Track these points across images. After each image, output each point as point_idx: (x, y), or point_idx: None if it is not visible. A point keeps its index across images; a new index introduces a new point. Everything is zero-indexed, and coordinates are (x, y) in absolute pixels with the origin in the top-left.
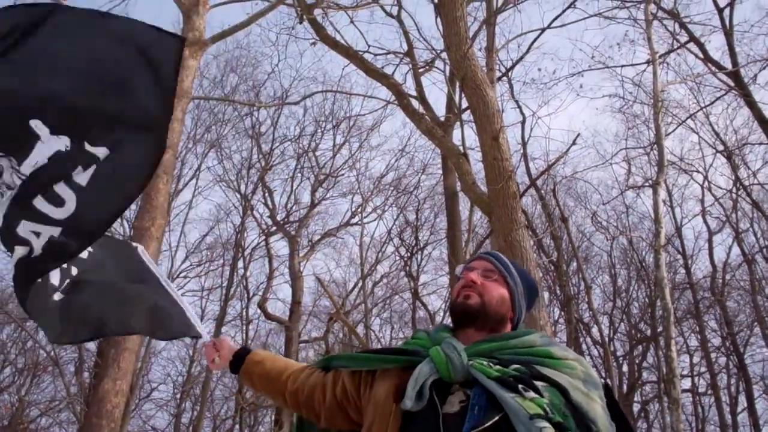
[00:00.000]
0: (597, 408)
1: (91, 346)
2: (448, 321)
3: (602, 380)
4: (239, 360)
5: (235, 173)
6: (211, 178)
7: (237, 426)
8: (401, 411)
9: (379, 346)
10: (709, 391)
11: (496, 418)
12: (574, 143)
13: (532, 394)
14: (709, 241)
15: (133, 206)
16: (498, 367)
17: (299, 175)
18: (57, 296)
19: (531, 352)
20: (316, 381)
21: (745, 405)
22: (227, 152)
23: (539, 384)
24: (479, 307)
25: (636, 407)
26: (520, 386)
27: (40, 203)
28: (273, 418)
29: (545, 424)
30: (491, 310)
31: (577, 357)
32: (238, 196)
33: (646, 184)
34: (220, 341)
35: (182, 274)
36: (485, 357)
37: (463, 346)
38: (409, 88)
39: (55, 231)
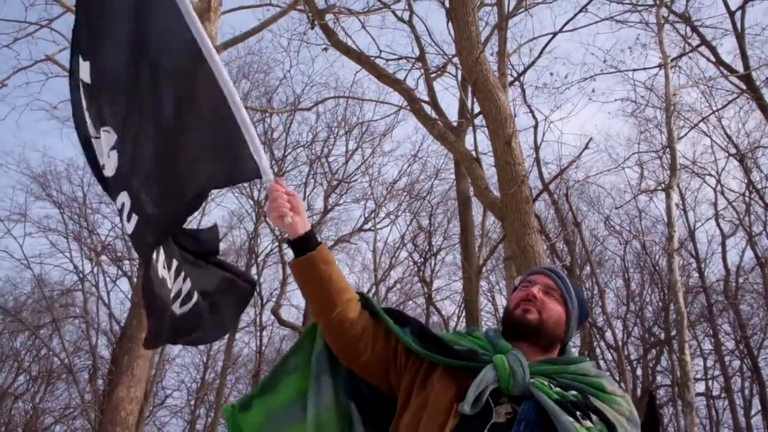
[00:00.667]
0: None
1: (105, 353)
2: (495, 327)
3: (647, 395)
4: (305, 243)
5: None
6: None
7: None
8: (459, 412)
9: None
10: (723, 395)
11: None
12: (586, 147)
13: (588, 423)
14: (723, 244)
15: None
16: (558, 389)
17: (312, 180)
18: (177, 309)
19: (586, 381)
20: (367, 323)
21: (759, 408)
22: None
23: (593, 416)
24: (537, 324)
25: None
26: (578, 413)
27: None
28: None
29: None
30: (548, 329)
31: (624, 394)
32: (251, 202)
33: (659, 187)
34: (294, 197)
35: None
36: (545, 377)
37: (527, 361)
38: (421, 93)
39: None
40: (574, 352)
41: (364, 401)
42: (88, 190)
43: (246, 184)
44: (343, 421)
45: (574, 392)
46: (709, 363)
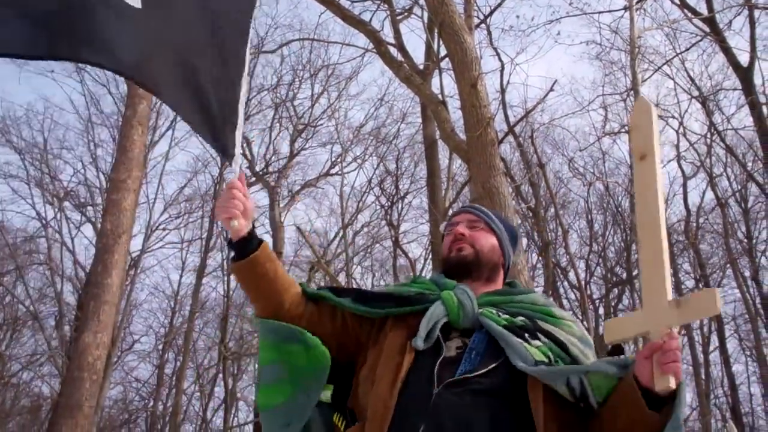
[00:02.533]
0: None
1: (71, 299)
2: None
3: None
4: (247, 244)
5: None
6: (187, 128)
7: (220, 375)
8: (411, 361)
9: (377, 289)
10: (683, 332)
11: (492, 365)
12: (551, 90)
13: (538, 342)
14: (684, 185)
15: (109, 158)
16: (506, 316)
17: (277, 125)
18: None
19: (534, 309)
20: (312, 310)
21: (717, 344)
22: None
23: (541, 337)
24: (474, 257)
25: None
26: (526, 334)
27: None
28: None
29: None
30: (485, 258)
31: (574, 319)
32: None
33: (623, 130)
34: (248, 198)
35: (161, 227)
36: (494, 307)
37: (474, 294)
38: (387, 35)
39: None
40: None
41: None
42: (48, 136)
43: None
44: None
45: (522, 318)
46: None
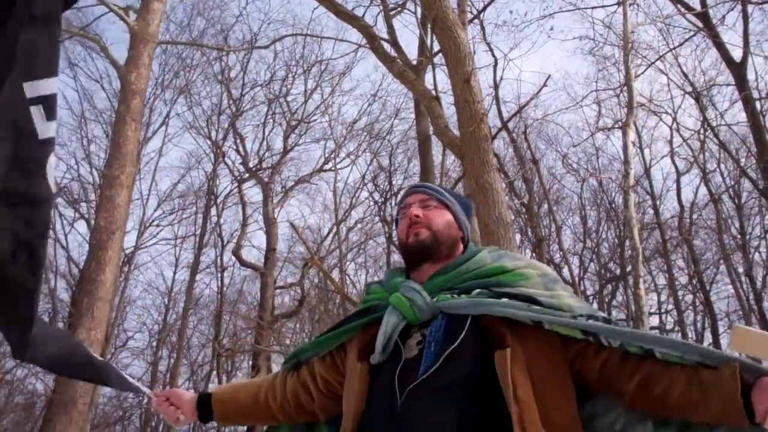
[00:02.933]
0: (566, 299)
1: (64, 296)
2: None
3: None
4: (205, 406)
5: (205, 120)
6: (180, 125)
7: (214, 372)
8: (368, 367)
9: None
10: (676, 328)
11: (452, 347)
12: (545, 85)
13: (504, 299)
14: (677, 181)
15: (102, 154)
16: (463, 295)
17: (271, 121)
18: None
19: (485, 273)
20: (295, 386)
21: (711, 340)
22: (197, 98)
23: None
24: (432, 239)
25: None
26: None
27: None
28: (250, 363)
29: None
30: (443, 237)
31: (529, 262)
32: (209, 143)
33: (616, 125)
34: (171, 393)
35: (155, 223)
36: (447, 291)
37: (420, 285)
38: (381, 30)
39: None
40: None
41: None
42: None
43: (204, 125)
44: None
45: (477, 291)
46: (663, 297)
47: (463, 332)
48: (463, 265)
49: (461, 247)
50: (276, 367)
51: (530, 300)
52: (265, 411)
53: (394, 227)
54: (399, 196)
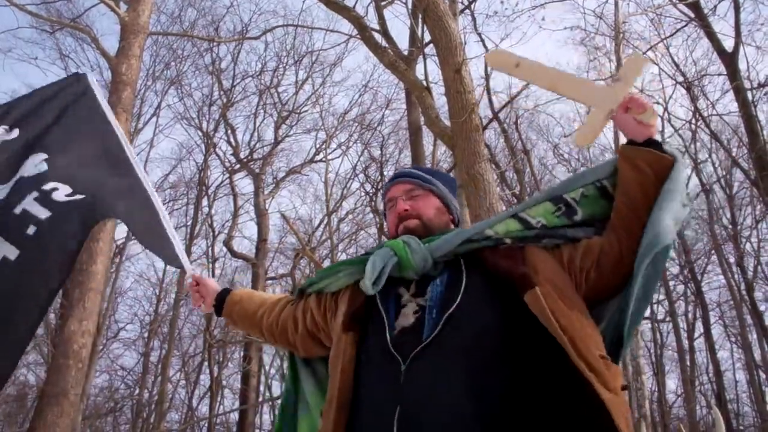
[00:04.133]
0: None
1: None
2: None
3: None
4: (221, 302)
5: (196, 111)
6: (171, 115)
7: (206, 363)
8: (353, 340)
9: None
10: (668, 318)
11: (456, 303)
12: None
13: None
14: None
15: None
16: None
17: (262, 111)
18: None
19: (471, 229)
20: (288, 313)
21: (702, 331)
22: (187, 89)
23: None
24: (422, 227)
25: None
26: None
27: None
28: (241, 354)
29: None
30: (434, 225)
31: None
32: (200, 133)
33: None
34: (204, 283)
35: None
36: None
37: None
38: (372, 21)
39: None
40: None
41: None
42: None
43: (195, 116)
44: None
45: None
46: None
47: (462, 286)
48: (454, 230)
49: (452, 228)
50: (267, 359)
51: (528, 226)
52: (257, 325)
53: (384, 219)
54: (384, 187)
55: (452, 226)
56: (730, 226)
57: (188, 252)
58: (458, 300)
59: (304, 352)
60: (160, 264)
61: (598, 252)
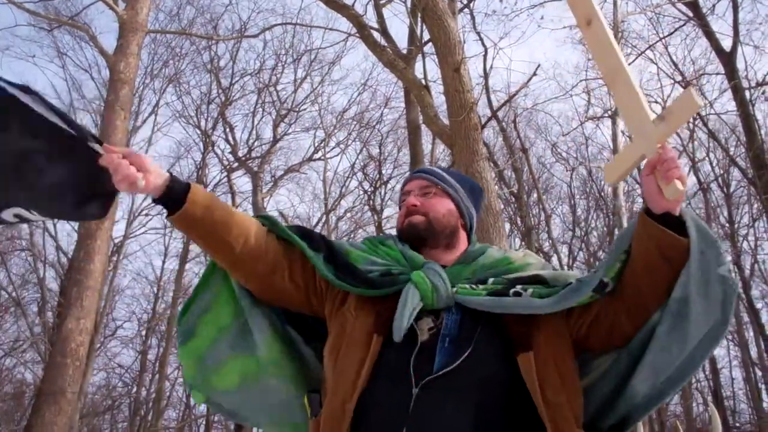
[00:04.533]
0: (564, 272)
1: (53, 285)
2: None
3: None
4: (173, 196)
5: (194, 109)
6: (170, 114)
7: None
8: (381, 342)
9: (346, 248)
10: None
11: (467, 352)
12: (534, 74)
13: (530, 289)
14: None
15: None
16: (482, 286)
17: (260, 110)
18: None
19: (494, 263)
20: (277, 255)
21: None
22: (186, 87)
23: (526, 286)
24: (426, 225)
25: None
26: (511, 291)
27: None
28: None
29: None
30: (440, 226)
31: (527, 252)
32: (199, 132)
33: (605, 114)
34: (131, 154)
35: (144, 212)
36: (465, 281)
37: (442, 269)
38: (371, 19)
39: None
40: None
41: (299, 322)
42: None
43: (193, 114)
44: (289, 346)
45: (493, 279)
46: None
47: (478, 329)
48: (478, 260)
49: (463, 235)
50: None
51: (543, 282)
52: (228, 245)
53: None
54: (403, 180)
55: (462, 232)
56: (728, 225)
57: (186, 251)
58: (474, 339)
59: (277, 301)
60: (158, 262)
61: (594, 313)
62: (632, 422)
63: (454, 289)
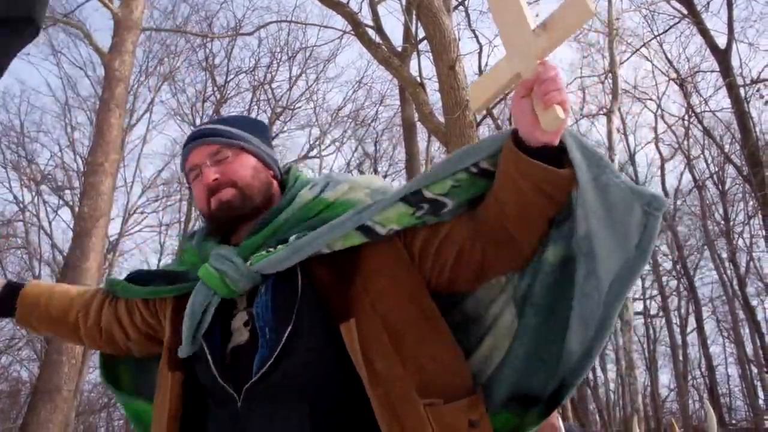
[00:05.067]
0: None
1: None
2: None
3: None
4: (10, 298)
5: (189, 107)
6: (165, 111)
7: None
8: (180, 380)
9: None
10: (660, 314)
11: (284, 340)
12: None
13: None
14: (662, 167)
15: (86, 141)
16: (280, 246)
17: (255, 107)
18: None
19: (305, 215)
20: (110, 318)
21: (695, 326)
22: (181, 85)
23: None
24: (240, 198)
25: None
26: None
27: None
28: None
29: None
30: (254, 190)
31: (354, 182)
32: (194, 129)
33: (601, 112)
34: None
35: (139, 210)
36: (263, 248)
37: (232, 249)
38: (366, 17)
39: None
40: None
41: None
42: (25, 119)
43: (188, 111)
44: None
45: (294, 237)
46: (647, 283)
47: (297, 304)
48: (281, 215)
49: (275, 185)
50: None
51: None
52: (72, 331)
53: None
54: (182, 155)
55: (275, 185)
56: (723, 222)
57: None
58: (293, 320)
59: (141, 353)
60: (153, 260)
61: (456, 251)
62: (570, 387)
63: (250, 263)
